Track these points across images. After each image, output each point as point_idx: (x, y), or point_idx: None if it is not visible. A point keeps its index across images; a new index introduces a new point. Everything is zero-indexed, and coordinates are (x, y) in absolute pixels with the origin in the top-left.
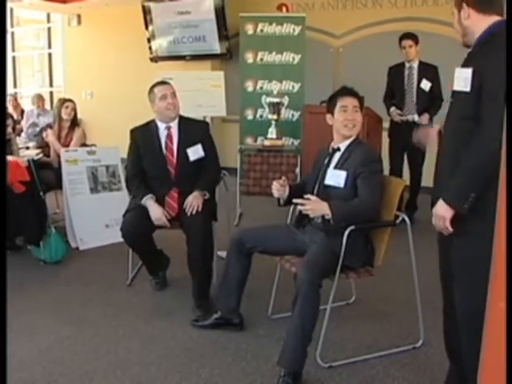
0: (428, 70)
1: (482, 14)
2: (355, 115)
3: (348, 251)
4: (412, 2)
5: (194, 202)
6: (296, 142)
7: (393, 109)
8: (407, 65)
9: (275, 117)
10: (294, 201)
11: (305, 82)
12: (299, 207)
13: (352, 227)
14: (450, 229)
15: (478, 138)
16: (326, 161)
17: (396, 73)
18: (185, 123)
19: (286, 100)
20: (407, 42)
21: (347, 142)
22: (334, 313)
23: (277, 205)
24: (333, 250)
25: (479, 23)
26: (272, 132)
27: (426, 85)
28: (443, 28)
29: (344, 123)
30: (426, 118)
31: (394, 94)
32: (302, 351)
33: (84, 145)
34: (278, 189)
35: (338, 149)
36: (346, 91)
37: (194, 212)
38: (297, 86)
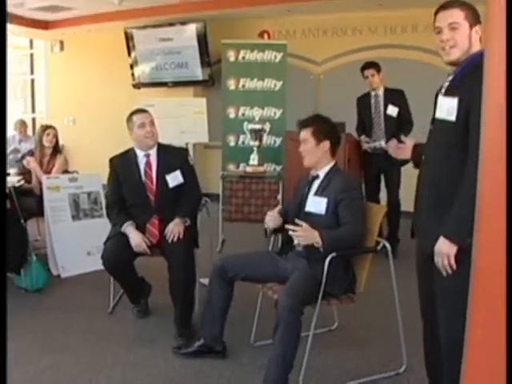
0: (394, 96)
1: None
2: (304, 147)
3: (329, 278)
4: (391, 30)
5: (174, 229)
6: (278, 168)
7: (362, 137)
8: (372, 93)
9: (257, 143)
10: (286, 226)
11: (286, 109)
12: (290, 232)
13: (333, 254)
14: (455, 266)
15: (472, 167)
16: (306, 188)
17: (363, 103)
18: (163, 150)
19: (267, 126)
20: (369, 72)
21: (326, 168)
22: (316, 339)
23: (264, 235)
24: (315, 277)
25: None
26: (254, 158)
27: (392, 111)
28: (423, 55)
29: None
30: (393, 143)
31: (365, 123)
32: (284, 379)
33: (66, 172)
34: (275, 218)
35: (317, 176)
36: (298, 125)
37: (175, 239)
38: (278, 113)
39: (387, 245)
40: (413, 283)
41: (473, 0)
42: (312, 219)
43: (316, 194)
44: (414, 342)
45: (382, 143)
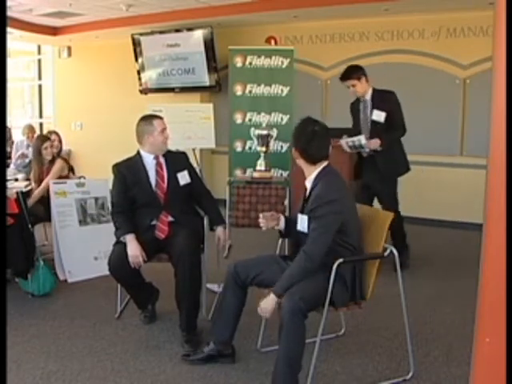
0: (383, 98)
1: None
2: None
3: (336, 284)
4: (398, 35)
5: (226, 238)
6: (285, 174)
7: (343, 137)
8: (361, 99)
9: (264, 149)
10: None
11: (293, 114)
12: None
13: (340, 260)
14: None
15: None
16: (302, 201)
17: (354, 108)
18: (167, 154)
19: (274, 132)
20: (348, 83)
21: (311, 177)
22: (323, 345)
23: (279, 237)
24: (321, 282)
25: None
26: (261, 164)
27: (379, 116)
28: (429, 60)
29: None
30: (375, 142)
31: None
32: (292, 381)
33: (63, 177)
34: (264, 223)
35: (306, 188)
36: None
37: (227, 246)
38: (285, 118)
39: (394, 251)
40: (420, 290)
41: (482, 6)
42: (302, 238)
43: (301, 210)
44: (421, 348)
45: (362, 139)
